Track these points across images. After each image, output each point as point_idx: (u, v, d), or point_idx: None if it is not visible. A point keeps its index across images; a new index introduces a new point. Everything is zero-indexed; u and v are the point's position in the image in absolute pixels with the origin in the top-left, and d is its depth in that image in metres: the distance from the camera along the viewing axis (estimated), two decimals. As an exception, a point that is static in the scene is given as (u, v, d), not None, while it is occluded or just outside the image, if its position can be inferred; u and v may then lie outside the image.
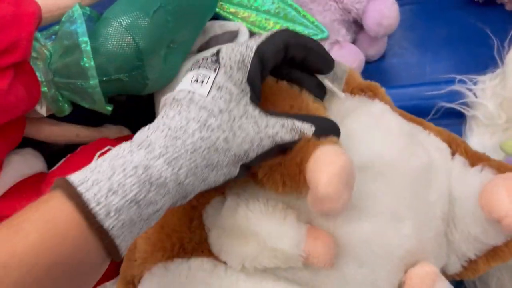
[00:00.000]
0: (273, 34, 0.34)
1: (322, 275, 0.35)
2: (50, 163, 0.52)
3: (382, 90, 0.43)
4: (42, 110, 0.46)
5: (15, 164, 0.49)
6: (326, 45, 0.60)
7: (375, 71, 0.65)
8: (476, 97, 0.55)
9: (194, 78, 0.33)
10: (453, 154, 0.43)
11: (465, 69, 0.59)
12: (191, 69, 0.34)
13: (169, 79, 0.51)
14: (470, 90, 0.57)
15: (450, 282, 0.38)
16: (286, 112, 0.34)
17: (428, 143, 0.42)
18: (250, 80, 0.33)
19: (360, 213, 0.35)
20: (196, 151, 0.30)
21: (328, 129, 0.34)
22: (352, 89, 0.41)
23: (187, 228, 0.37)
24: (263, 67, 0.34)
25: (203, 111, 0.31)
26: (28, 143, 0.51)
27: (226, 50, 0.34)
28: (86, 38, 0.43)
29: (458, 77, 0.57)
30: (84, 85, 0.44)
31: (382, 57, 0.66)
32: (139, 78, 0.47)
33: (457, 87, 0.57)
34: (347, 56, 0.58)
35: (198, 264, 0.35)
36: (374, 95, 0.42)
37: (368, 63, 0.63)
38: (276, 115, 0.33)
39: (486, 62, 0.58)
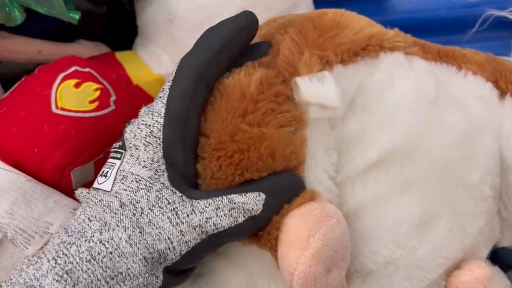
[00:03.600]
0: (177, 73, 0.27)
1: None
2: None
3: (390, 34, 0.32)
4: (-15, 17, 0.36)
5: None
6: None
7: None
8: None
9: (101, 172, 0.28)
10: (502, 94, 0.34)
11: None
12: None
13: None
14: (526, -6, 0.51)
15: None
16: (227, 187, 0.27)
17: (465, 92, 0.33)
18: (167, 153, 0.26)
19: (375, 232, 0.29)
20: (95, 259, 0.25)
21: (286, 189, 0.26)
22: (343, 55, 0.30)
23: None
24: (186, 128, 0.27)
25: (100, 208, 0.26)
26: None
27: (130, 128, 0.28)
28: None
29: (512, -22, 0.50)
30: (34, -20, 0.34)
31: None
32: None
33: (510, -9, 0.51)
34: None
35: None
36: (378, 49, 0.31)
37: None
38: (209, 195, 0.26)
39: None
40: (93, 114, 0.35)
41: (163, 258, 0.25)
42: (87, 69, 0.36)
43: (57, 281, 0.24)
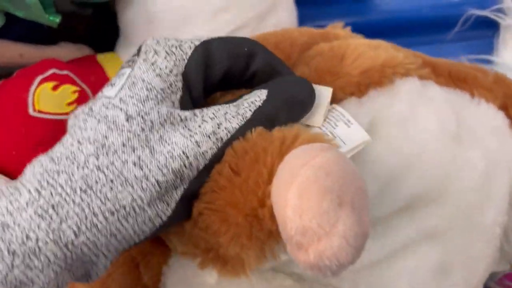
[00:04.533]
0: (238, 37, 0.25)
1: None
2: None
3: (400, 57, 0.28)
4: (-37, 20, 0.36)
5: None
6: None
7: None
8: (514, 1, 0.49)
9: (108, 82, 0.24)
10: None
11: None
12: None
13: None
14: (508, -7, 0.50)
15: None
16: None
17: (480, 123, 0.30)
18: (187, 75, 0.23)
19: (390, 277, 0.26)
20: (92, 188, 0.20)
21: (292, 96, 0.23)
22: (347, 90, 0.27)
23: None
24: (210, 65, 0.24)
25: (102, 123, 0.21)
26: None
27: (153, 37, 0.24)
28: None
29: (493, -23, 0.51)
30: (10, -17, 0.34)
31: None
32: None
33: (491, -11, 0.50)
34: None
35: None
36: (392, 76, 0.27)
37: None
38: (215, 105, 0.24)
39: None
40: (71, 116, 0.35)
41: (179, 179, 0.21)
42: (65, 72, 0.36)
43: (40, 216, 0.19)
